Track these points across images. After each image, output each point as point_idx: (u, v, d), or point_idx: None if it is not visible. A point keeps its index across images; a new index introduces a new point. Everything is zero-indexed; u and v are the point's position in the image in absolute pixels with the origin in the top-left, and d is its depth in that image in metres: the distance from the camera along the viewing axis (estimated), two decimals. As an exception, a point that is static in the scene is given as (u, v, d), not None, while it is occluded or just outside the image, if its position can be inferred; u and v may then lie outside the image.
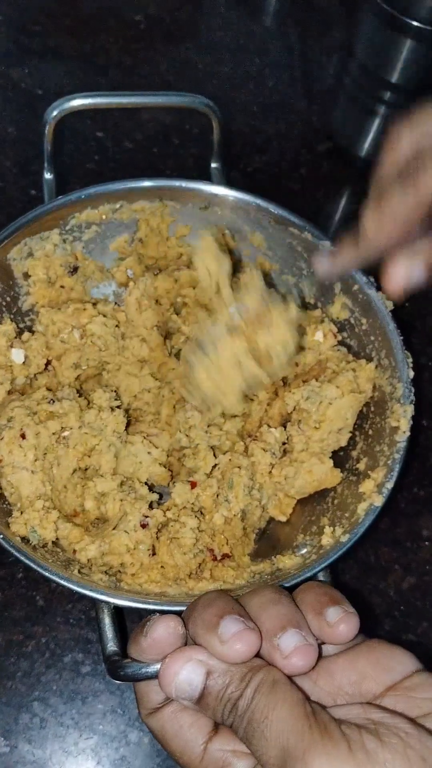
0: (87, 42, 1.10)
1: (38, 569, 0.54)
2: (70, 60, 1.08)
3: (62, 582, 0.54)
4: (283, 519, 0.70)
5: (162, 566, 0.63)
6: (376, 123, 0.96)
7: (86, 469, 0.67)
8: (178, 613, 0.44)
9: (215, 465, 0.68)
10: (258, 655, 0.41)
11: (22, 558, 0.55)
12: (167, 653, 0.42)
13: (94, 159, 0.98)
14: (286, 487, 0.69)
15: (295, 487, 0.69)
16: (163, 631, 0.42)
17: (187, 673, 0.40)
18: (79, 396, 0.70)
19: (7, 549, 0.56)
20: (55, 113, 0.73)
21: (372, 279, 0.72)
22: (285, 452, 0.70)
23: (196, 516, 0.64)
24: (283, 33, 1.18)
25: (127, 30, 1.13)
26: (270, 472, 0.68)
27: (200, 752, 0.42)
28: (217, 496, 0.66)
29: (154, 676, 0.43)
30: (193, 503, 0.66)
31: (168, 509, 0.65)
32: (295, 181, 0.87)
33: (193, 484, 0.66)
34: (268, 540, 0.70)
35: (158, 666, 0.42)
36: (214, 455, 0.68)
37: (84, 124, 1.01)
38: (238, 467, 0.66)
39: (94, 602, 0.57)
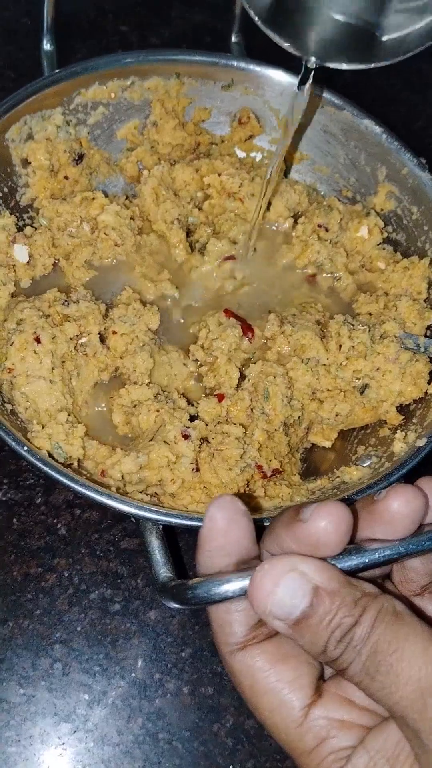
0: None
1: (77, 487, 0.45)
2: None
3: (104, 500, 0.45)
4: (328, 444, 0.61)
5: (205, 486, 0.54)
6: None
7: (111, 379, 0.58)
8: None
9: (242, 378, 0.59)
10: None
11: (55, 475, 0.46)
12: (236, 548, 0.34)
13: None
14: (334, 423, 0.60)
15: (345, 423, 0.60)
16: (218, 510, 0.34)
17: (288, 586, 0.32)
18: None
19: (36, 465, 0.47)
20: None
21: (423, 160, 0.63)
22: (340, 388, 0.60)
23: (240, 424, 0.56)
24: None
25: None
26: (317, 399, 0.59)
27: (299, 717, 0.35)
28: (252, 410, 0.57)
29: (239, 593, 0.34)
30: (226, 419, 0.57)
31: (207, 424, 0.57)
32: (340, 85, 0.78)
33: (220, 397, 0.58)
34: (308, 467, 0.62)
35: (240, 579, 0.34)
36: (240, 371, 0.59)
37: (106, 18, 0.90)
38: (273, 376, 0.58)
39: (139, 526, 0.48)
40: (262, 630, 0.36)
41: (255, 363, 0.59)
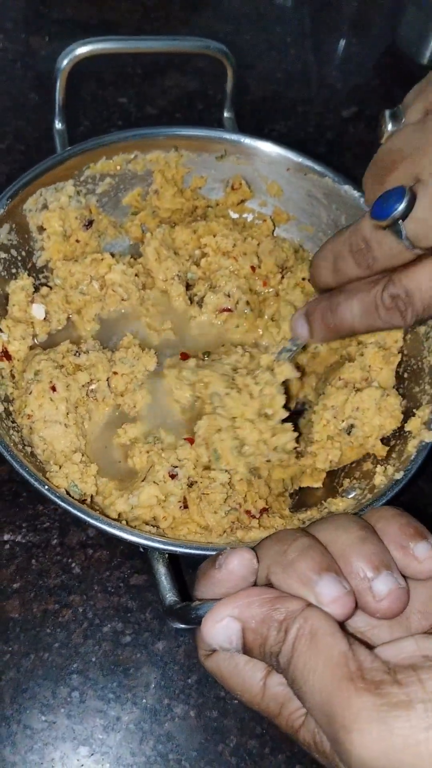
0: (106, 10, 1.09)
1: (94, 522, 0.51)
2: (90, 28, 1.06)
3: (117, 532, 0.51)
4: (318, 485, 0.66)
5: (197, 522, 0.60)
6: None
7: (114, 418, 0.65)
8: None
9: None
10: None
11: (74, 511, 0.52)
12: (239, 588, 0.39)
13: (117, 125, 0.96)
14: (329, 468, 0.66)
15: (337, 465, 0.66)
16: (238, 564, 0.39)
17: (224, 630, 0.37)
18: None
19: (55, 502, 0.53)
20: (66, 61, 0.70)
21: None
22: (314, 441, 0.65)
23: (227, 471, 0.61)
24: (303, 2, 1.18)
25: (147, -1, 1.11)
26: (310, 453, 0.64)
27: (260, 689, 0.40)
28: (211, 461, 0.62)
29: None
30: (198, 461, 0.62)
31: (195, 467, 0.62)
32: (322, 145, 0.87)
33: (190, 441, 0.62)
34: (299, 499, 0.67)
35: None
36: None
37: (106, 90, 0.99)
38: (218, 430, 0.62)
39: (147, 556, 0.54)
40: None
41: (201, 418, 0.62)
